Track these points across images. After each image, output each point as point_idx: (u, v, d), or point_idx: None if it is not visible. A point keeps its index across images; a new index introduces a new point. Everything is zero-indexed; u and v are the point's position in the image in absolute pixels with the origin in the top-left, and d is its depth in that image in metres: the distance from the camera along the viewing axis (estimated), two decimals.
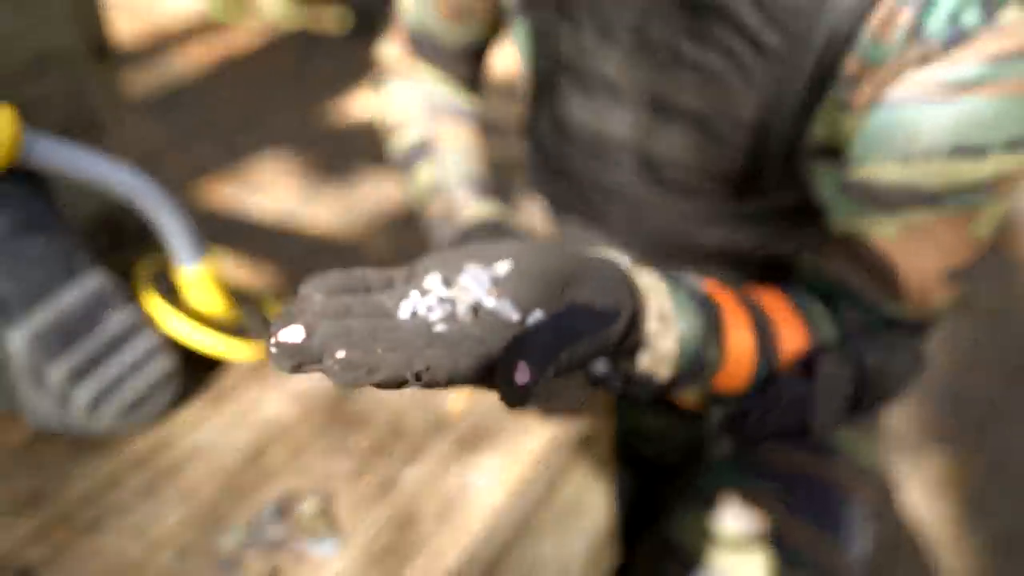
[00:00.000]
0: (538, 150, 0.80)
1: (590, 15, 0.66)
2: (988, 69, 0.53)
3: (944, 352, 1.91)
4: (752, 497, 0.80)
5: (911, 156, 0.56)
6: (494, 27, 0.82)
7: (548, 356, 0.36)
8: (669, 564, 0.81)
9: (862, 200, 0.59)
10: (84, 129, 0.78)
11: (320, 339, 0.35)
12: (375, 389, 0.59)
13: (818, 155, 0.64)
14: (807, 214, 0.68)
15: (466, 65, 0.86)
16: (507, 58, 2.24)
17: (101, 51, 0.79)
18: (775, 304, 0.58)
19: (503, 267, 0.43)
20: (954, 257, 0.59)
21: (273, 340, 0.35)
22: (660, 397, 0.53)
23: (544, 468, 0.61)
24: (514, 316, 0.40)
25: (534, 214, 2.27)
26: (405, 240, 2.23)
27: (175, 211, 0.66)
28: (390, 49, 0.88)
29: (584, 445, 0.64)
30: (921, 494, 1.57)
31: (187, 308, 0.69)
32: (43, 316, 0.59)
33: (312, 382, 0.67)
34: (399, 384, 0.34)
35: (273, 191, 2.55)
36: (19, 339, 0.58)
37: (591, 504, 0.70)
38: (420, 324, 0.39)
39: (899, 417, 1.72)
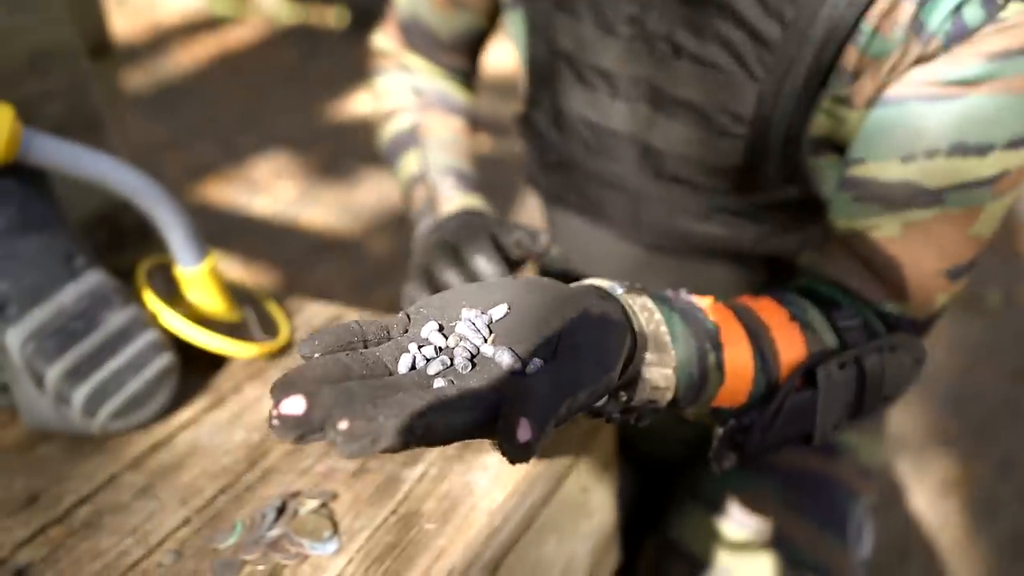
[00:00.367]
0: (536, 143, 0.79)
1: (588, 6, 0.66)
2: (991, 66, 0.52)
3: (950, 353, 1.90)
4: (755, 497, 0.79)
5: (913, 154, 0.56)
6: (490, 17, 0.82)
7: (549, 412, 0.36)
8: (672, 564, 0.80)
9: (863, 198, 0.59)
10: (84, 126, 0.77)
11: (322, 410, 0.34)
12: None
13: (820, 149, 0.63)
14: (808, 209, 0.68)
15: (461, 57, 0.85)
16: (505, 55, 2.24)
17: (101, 48, 0.78)
18: (772, 316, 0.57)
19: (499, 311, 0.43)
20: (955, 256, 0.59)
21: (275, 412, 0.34)
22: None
23: (546, 467, 0.60)
24: (514, 365, 0.39)
25: (533, 209, 2.26)
26: (405, 239, 2.22)
27: (176, 209, 0.65)
28: (383, 41, 0.88)
29: (587, 444, 0.64)
30: (927, 496, 1.57)
31: (187, 307, 0.69)
32: (41, 315, 0.58)
33: None
34: (403, 448, 0.34)
35: (273, 190, 2.54)
36: (16, 338, 0.57)
37: (594, 504, 0.69)
38: (419, 379, 0.39)
39: (904, 419, 1.72)
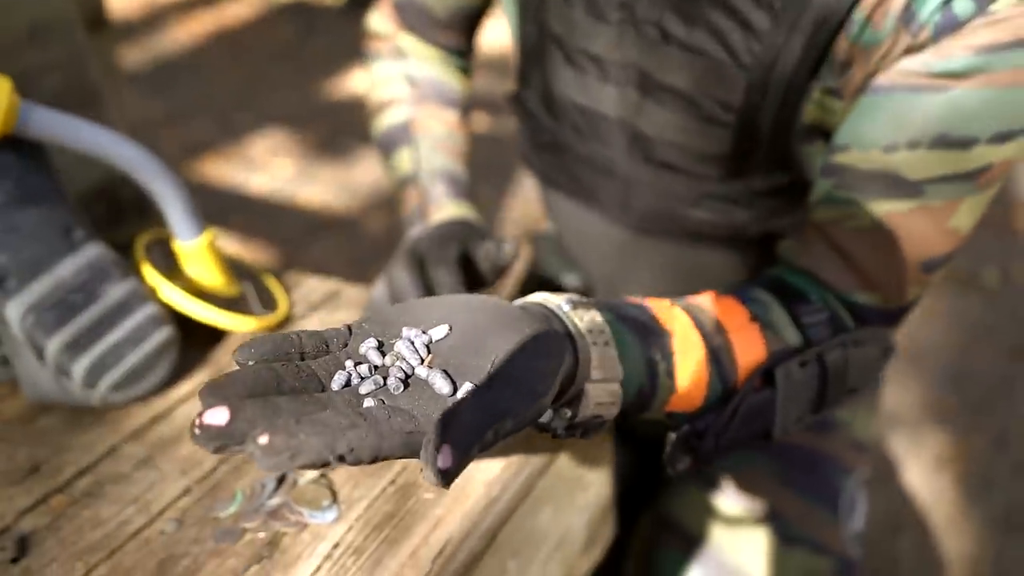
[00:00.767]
0: (528, 122, 0.79)
1: None
2: (978, 60, 0.52)
3: (946, 331, 1.91)
4: (748, 473, 0.80)
5: (895, 144, 0.55)
6: None
7: (472, 440, 0.37)
8: (666, 539, 0.81)
9: (842, 186, 0.59)
10: (81, 100, 0.77)
11: (244, 423, 0.35)
12: None
13: (811, 137, 0.63)
14: (799, 194, 0.68)
15: (457, 35, 0.85)
16: (502, 32, 2.23)
17: (97, 22, 0.78)
18: (732, 317, 0.58)
19: (440, 331, 0.44)
20: (932, 248, 0.58)
21: (198, 421, 0.35)
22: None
23: (543, 440, 0.61)
24: (445, 389, 0.40)
25: (529, 189, 2.26)
26: (398, 217, 2.22)
27: (174, 183, 0.65)
28: (378, 22, 0.87)
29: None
30: (921, 471, 1.58)
31: (186, 281, 0.69)
32: (40, 288, 0.59)
33: None
34: (322, 466, 0.35)
35: (270, 168, 2.54)
36: (16, 311, 0.58)
37: (590, 477, 0.70)
38: (350, 397, 0.39)
39: (900, 396, 1.73)
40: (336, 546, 0.51)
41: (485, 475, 0.57)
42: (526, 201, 2.29)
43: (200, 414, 0.35)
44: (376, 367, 0.42)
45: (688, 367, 0.54)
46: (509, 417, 0.39)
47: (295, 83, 3.05)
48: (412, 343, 0.43)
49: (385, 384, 0.41)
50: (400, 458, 0.37)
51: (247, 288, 0.73)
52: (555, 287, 0.89)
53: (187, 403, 0.63)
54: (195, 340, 0.68)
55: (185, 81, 3.05)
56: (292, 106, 2.89)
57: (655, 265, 0.77)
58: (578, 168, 0.76)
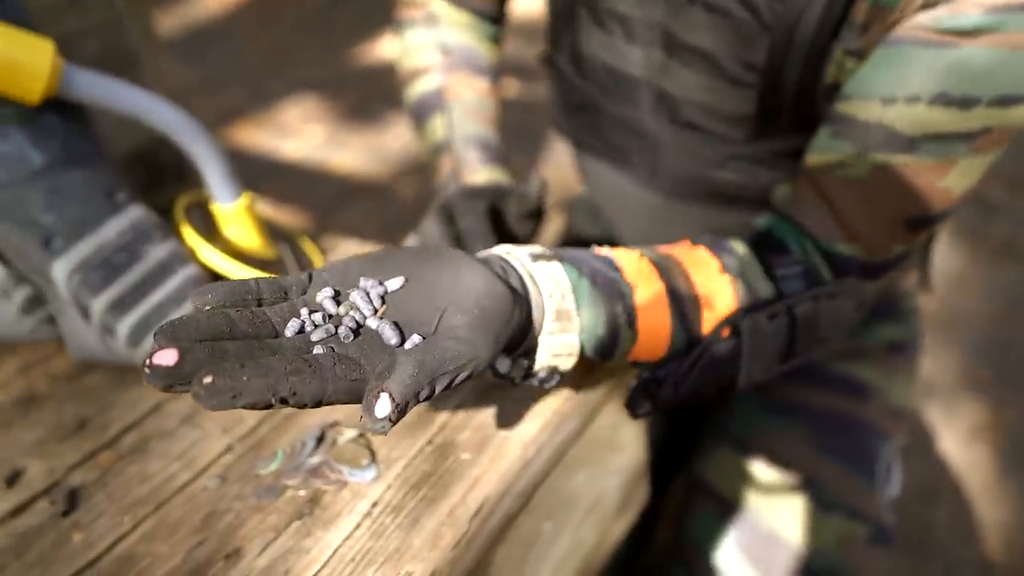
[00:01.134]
0: (560, 84, 0.79)
1: None
2: (990, 18, 0.50)
3: (984, 300, 1.88)
4: (783, 438, 0.80)
5: (894, 97, 0.54)
6: None
7: (410, 391, 0.39)
8: (700, 503, 0.82)
9: (839, 134, 0.58)
10: (120, 65, 0.77)
11: (191, 365, 0.37)
12: None
13: (833, 96, 0.62)
14: None
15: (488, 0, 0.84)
16: None
17: None
18: (701, 268, 0.58)
19: (395, 283, 0.45)
20: (919, 205, 0.57)
21: (148, 361, 0.36)
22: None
23: (578, 403, 0.61)
24: (392, 340, 0.42)
25: (561, 154, 2.24)
26: (431, 183, 2.22)
27: (213, 146, 0.66)
28: None
29: (618, 382, 0.64)
30: (956, 441, 1.57)
31: (225, 242, 0.70)
32: (86, 248, 0.60)
33: None
34: (265, 407, 0.37)
35: (301, 135, 2.54)
36: (63, 270, 0.59)
37: (624, 440, 0.70)
38: (301, 344, 0.41)
39: (936, 365, 1.71)
40: (375, 504, 0.52)
41: (521, 436, 0.57)
42: (559, 167, 2.28)
43: (150, 354, 0.37)
44: (330, 316, 0.43)
45: (650, 318, 0.55)
46: (446, 372, 0.41)
47: (326, 50, 3.05)
48: (367, 293, 0.44)
49: (336, 333, 0.42)
50: (344, 403, 0.39)
51: (284, 250, 0.74)
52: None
53: None
54: None
55: (217, 49, 3.05)
56: (323, 73, 2.89)
57: (687, 229, 0.77)
58: (608, 130, 0.76)
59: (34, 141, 0.58)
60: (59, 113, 0.60)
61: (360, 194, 2.26)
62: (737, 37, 0.61)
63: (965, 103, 0.53)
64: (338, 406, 0.59)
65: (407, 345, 0.42)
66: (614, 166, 0.79)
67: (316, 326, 0.42)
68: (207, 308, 0.41)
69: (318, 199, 2.19)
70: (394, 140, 2.49)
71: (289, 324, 0.42)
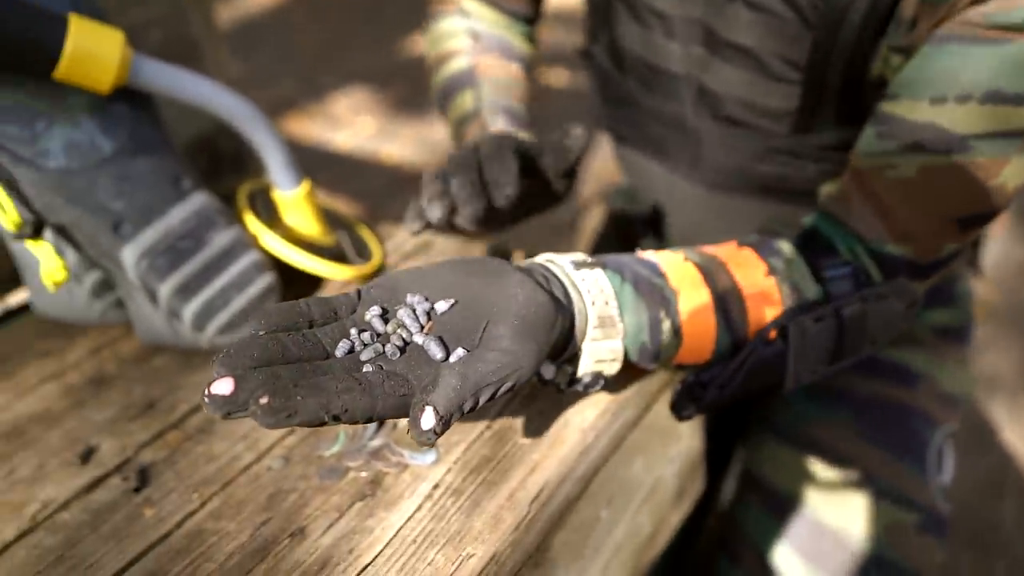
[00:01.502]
0: (599, 78, 0.79)
1: None
2: None
3: None
4: (829, 427, 0.78)
5: (943, 97, 0.53)
6: None
7: (454, 404, 0.41)
8: (753, 498, 0.81)
9: (887, 135, 0.56)
10: (183, 55, 0.79)
11: (246, 392, 0.39)
12: None
13: (879, 91, 0.61)
14: None
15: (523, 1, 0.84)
16: None
17: None
18: (748, 271, 0.57)
19: (443, 305, 0.46)
20: (971, 205, 0.56)
21: (207, 392, 0.39)
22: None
23: (637, 391, 0.61)
24: (438, 355, 0.43)
25: (601, 145, 2.23)
26: None
27: (275, 135, 0.67)
28: None
29: (677, 371, 0.64)
30: (1021, 436, 1.52)
31: (285, 229, 0.71)
32: (153, 234, 0.61)
33: None
34: (319, 424, 0.39)
35: (353, 126, 2.57)
36: (132, 255, 0.60)
37: (681, 428, 0.70)
38: (350, 364, 0.43)
39: (999, 359, 1.66)
40: (436, 487, 0.52)
41: (580, 422, 0.57)
42: (601, 158, 2.27)
43: (209, 384, 0.39)
44: (378, 335, 0.45)
45: (695, 322, 0.54)
46: (489, 385, 0.42)
47: (376, 43, 3.07)
48: (414, 310, 0.46)
49: (384, 351, 0.44)
50: (393, 418, 0.42)
51: (343, 238, 0.75)
52: (633, 238, 0.88)
53: None
54: (294, 287, 0.70)
55: (269, 42, 3.10)
56: (373, 65, 2.91)
57: (729, 221, 0.76)
58: (648, 123, 0.75)
59: (104, 129, 0.60)
60: (128, 102, 0.62)
61: (410, 184, 2.27)
62: (779, 35, 0.60)
63: (1019, 100, 0.51)
64: None
65: (452, 359, 0.43)
66: (655, 159, 0.78)
67: (365, 345, 0.44)
68: (262, 333, 0.43)
69: (369, 189, 2.22)
70: (442, 131, 2.50)
71: (339, 345, 0.44)
